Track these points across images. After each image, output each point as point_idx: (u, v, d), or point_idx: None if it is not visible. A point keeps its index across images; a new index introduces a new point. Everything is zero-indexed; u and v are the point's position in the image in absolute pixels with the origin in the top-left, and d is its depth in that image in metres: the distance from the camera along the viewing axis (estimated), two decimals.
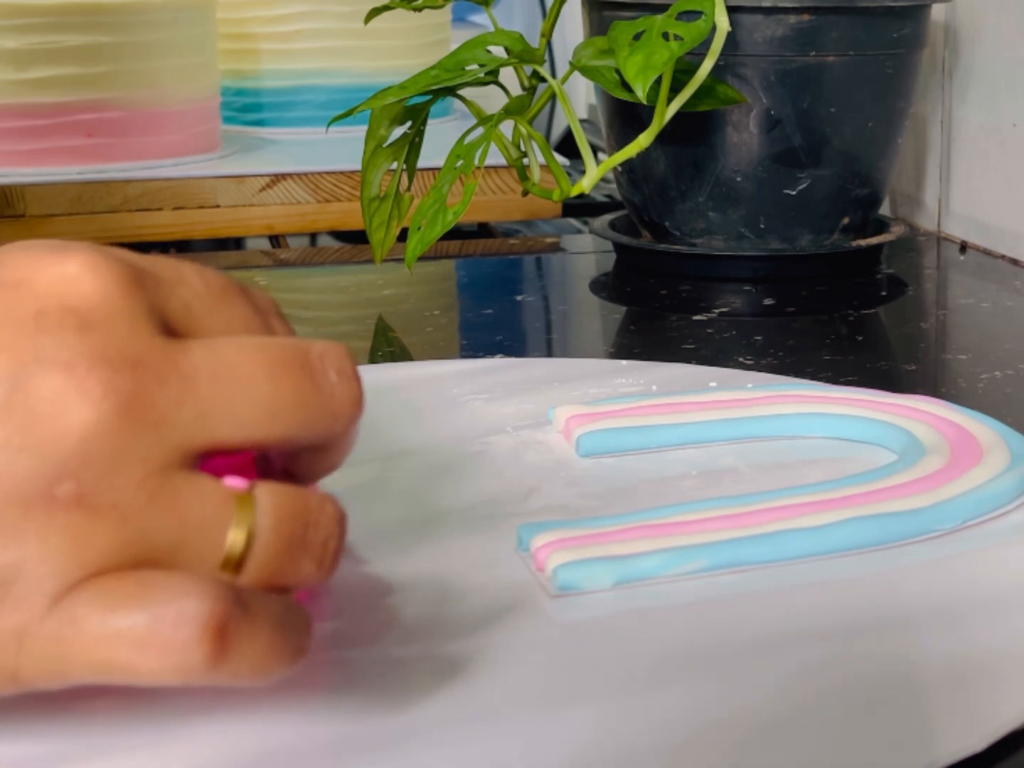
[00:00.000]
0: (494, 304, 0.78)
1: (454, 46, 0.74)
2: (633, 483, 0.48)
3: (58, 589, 0.29)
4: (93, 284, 0.31)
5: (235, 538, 0.30)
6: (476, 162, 0.68)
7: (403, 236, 0.71)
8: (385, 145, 0.73)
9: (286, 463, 0.34)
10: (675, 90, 0.69)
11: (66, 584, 0.30)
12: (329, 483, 0.46)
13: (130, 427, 0.30)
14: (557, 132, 1.42)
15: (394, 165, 0.73)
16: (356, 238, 1.00)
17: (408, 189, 0.73)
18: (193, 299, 0.32)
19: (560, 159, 1.07)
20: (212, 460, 0.32)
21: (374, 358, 0.67)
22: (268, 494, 0.31)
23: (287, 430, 0.31)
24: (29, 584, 0.29)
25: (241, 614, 0.30)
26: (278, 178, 1.03)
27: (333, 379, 0.32)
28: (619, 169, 0.84)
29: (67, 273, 0.31)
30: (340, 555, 0.32)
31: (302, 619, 0.32)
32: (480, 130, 0.70)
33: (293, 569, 0.31)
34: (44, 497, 0.29)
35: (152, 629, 0.29)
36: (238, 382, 0.31)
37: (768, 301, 0.76)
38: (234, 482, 0.31)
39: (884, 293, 0.80)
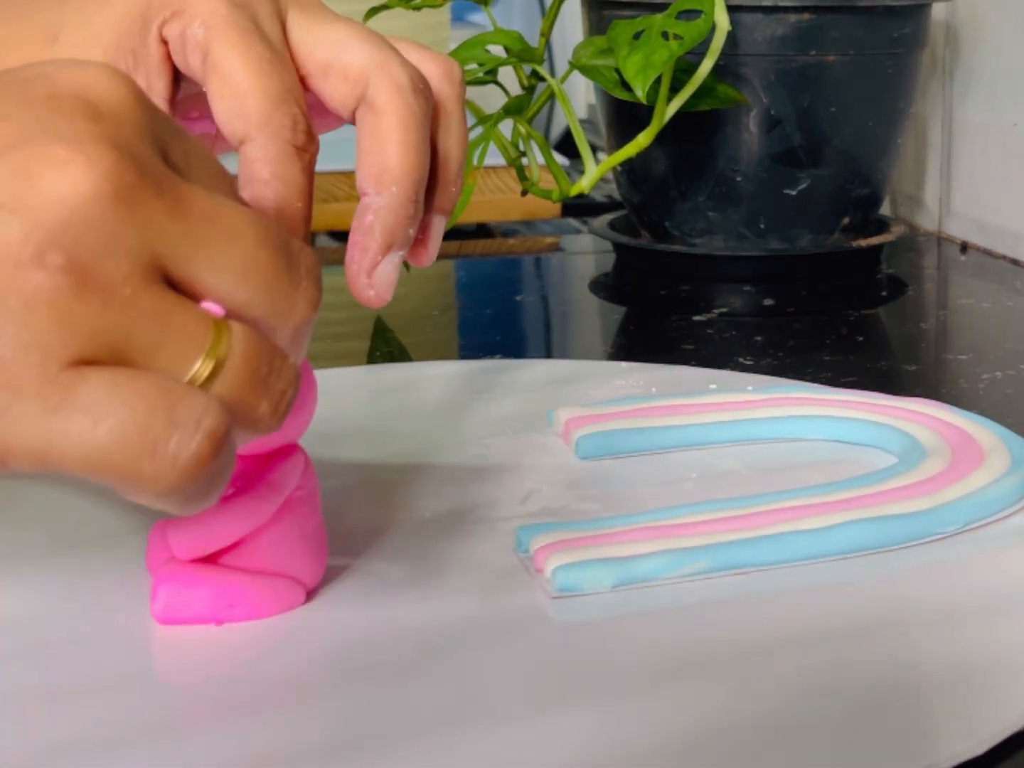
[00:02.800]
0: (493, 304, 0.78)
1: (453, 46, 0.74)
2: (632, 485, 0.48)
3: (41, 364, 0.29)
4: (111, 86, 0.31)
5: (209, 356, 0.31)
6: (475, 162, 0.68)
7: None
8: None
9: None
10: (675, 90, 0.69)
11: (49, 359, 0.29)
12: (330, 484, 0.46)
13: (124, 216, 0.30)
14: (556, 132, 1.42)
15: None
16: None
17: None
18: (192, 153, 0.33)
19: (559, 159, 1.07)
20: None
21: (373, 358, 0.67)
22: (242, 330, 0.31)
23: (252, 294, 0.32)
24: (5, 360, 0.29)
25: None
26: None
27: (303, 272, 0.33)
28: (619, 169, 0.83)
29: (87, 72, 0.32)
30: (289, 411, 0.33)
31: None
32: (479, 130, 0.70)
33: (251, 406, 0.31)
34: (34, 262, 0.29)
35: (168, 415, 0.29)
36: (226, 232, 0.31)
37: (768, 301, 0.76)
38: (212, 307, 0.31)
39: (884, 293, 0.80)
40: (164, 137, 0.32)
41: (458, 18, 1.44)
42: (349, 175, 1.03)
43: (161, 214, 0.31)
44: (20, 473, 0.30)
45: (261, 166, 0.37)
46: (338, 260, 0.98)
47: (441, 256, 0.89)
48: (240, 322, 0.31)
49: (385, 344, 0.70)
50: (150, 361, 0.30)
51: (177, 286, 0.31)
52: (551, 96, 0.73)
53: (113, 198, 0.30)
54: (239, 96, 0.37)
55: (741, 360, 0.64)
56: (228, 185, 0.34)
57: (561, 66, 1.39)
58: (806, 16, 0.76)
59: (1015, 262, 0.83)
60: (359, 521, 0.45)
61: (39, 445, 0.29)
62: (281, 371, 0.32)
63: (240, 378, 0.31)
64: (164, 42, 0.39)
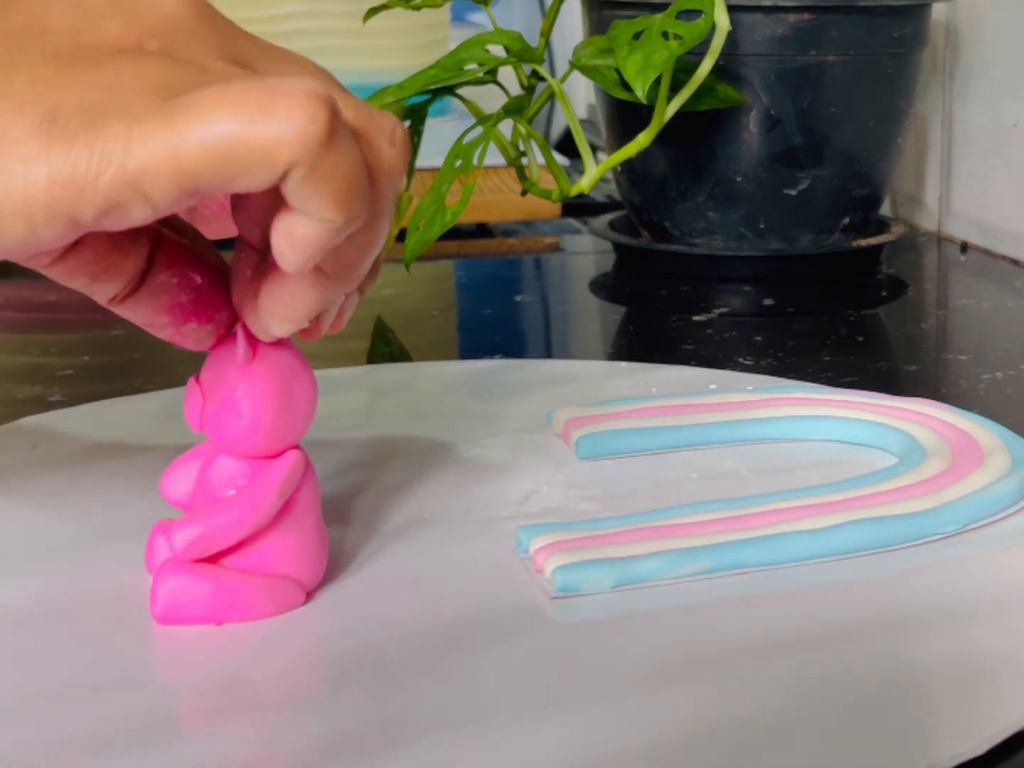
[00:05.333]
0: (493, 304, 0.78)
1: (453, 45, 0.74)
2: (632, 485, 0.48)
3: (154, 96, 0.32)
4: None
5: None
6: (475, 162, 0.67)
7: (402, 236, 0.71)
8: None
9: None
10: (675, 89, 0.69)
11: (161, 94, 0.32)
12: (329, 484, 0.46)
13: (208, 25, 0.35)
14: (556, 132, 1.42)
15: None
16: None
17: (407, 189, 0.73)
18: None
19: (559, 159, 1.07)
20: None
21: (373, 359, 0.67)
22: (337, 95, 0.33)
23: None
24: (123, 100, 0.31)
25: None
26: None
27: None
28: (619, 169, 0.83)
29: None
30: (407, 150, 0.35)
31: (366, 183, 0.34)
32: (479, 130, 0.70)
33: (368, 140, 0.34)
34: (134, 47, 0.33)
35: (274, 95, 0.31)
36: (292, 60, 0.36)
37: (768, 301, 0.76)
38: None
39: (884, 293, 0.79)
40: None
41: (458, 18, 1.44)
42: None
43: (238, 35, 0.35)
44: (161, 205, 0.32)
45: None
46: None
47: (441, 256, 0.89)
48: None
49: (385, 344, 0.70)
50: None
51: None
52: (551, 96, 0.72)
53: (196, 13, 0.35)
54: None
55: (741, 360, 0.64)
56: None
57: (561, 66, 1.39)
58: (806, 16, 0.76)
59: (1015, 262, 0.83)
60: (359, 521, 0.45)
61: (166, 153, 0.31)
62: (383, 115, 0.35)
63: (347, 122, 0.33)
64: None
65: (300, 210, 0.33)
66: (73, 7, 0.34)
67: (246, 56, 0.35)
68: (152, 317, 0.38)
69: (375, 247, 0.36)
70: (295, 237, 0.33)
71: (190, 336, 0.38)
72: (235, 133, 0.31)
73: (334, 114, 0.32)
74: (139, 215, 0.32)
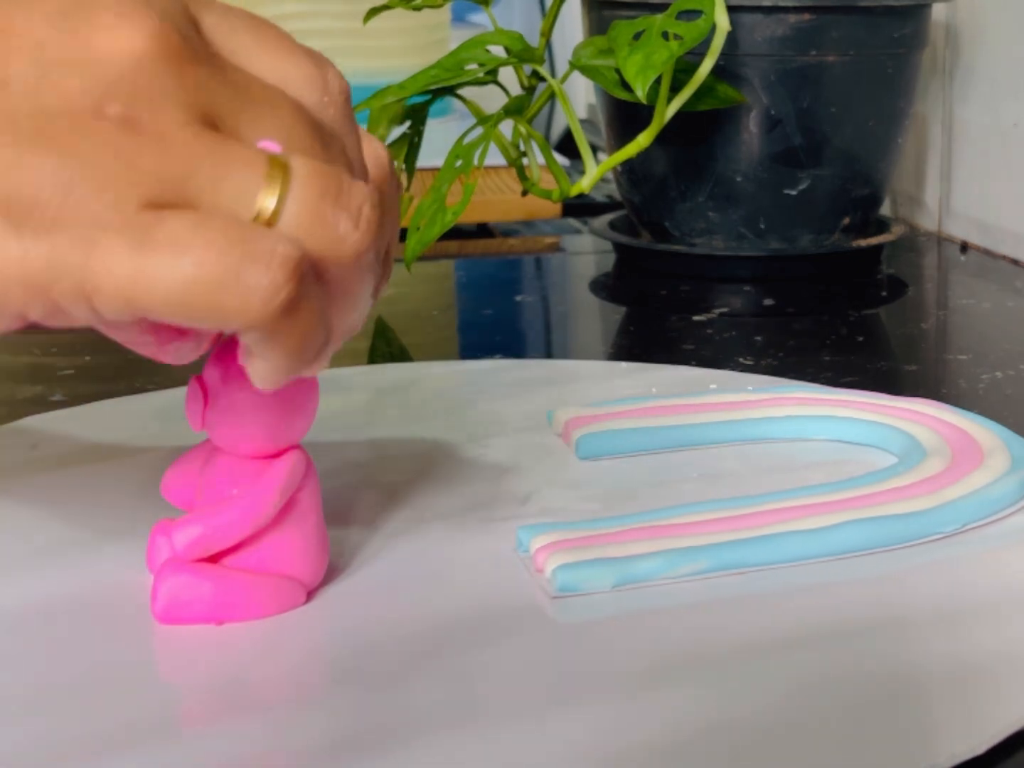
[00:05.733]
0: (493, 304, 0.78)
1: (453, 46, 0.74)
2: (632, 485, 0.48)
3: (117, 203, 0.30)
4: None
5: (272, 183, 0.31)
6: (475, 162, 0.68)
7: (402, 236, 0.71)
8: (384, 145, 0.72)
9: None
10: (675, 90, 0.69)
11: (124, 200, 0.30)
12: (329, 484, 0.46)
13: (175, 73, 0.32)
14: (557, 132, 1.42)
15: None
16: None
17: (407, 189, 0.73)
18: (222, 23, 0.34)
19: (560, 159, 1.07)
20: None
21: (373, 358, 0.67)
22: (302, 158, 0.32)
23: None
24: (82, 199, 0.30)
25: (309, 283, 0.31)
26: None
27: (340, 150, 0.34)
28: (619, 169, 0.83)
29: None
30: (376, 225, 0.33)
31: (325, 336, 0.33)
32: (479, 130, 0.70)
33: (330, 225, 0.32)
34: (93, 114, 0.31)
35: (246, 259, 0.30)
36: (267, 100, 0.33)
37: (768, 301, 0.76)
38: (269, 145, 0.32)
39: (884, 293, 0.79)
40: (195, 10, 0.34)
41: (458, 18, 1.44)
42: None
43: (207, 76, 0.32)
44: (108, 319, 0.31)
45: None
46: None
47: (441, 256, 0.89)
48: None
49: (385, 344, 0.70)
50: (216, 199, 0.31)
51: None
52: (551, 96, 0.73)
53: (163, 57, 0.32)
54: None
55: (741, 360, 0.64)
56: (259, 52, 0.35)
57: (561, 66, 1.39)
58: (806, 16, 0.76)
59: (1015, 262, 0.83)
60: (359, 521, 0.45)
61: (127, 282, 0.30)
62: (351, 190, 0.32)
63: (310, 199, 0.31)
64: None
65: (255, 354, 0.32)
66: (33, 61, 0.32)
67: (218, 106, 0.33)
68: (136, 337, 0.36)
69: (347, 327, 0.35)
70: (256, 369, 0.33)
71: (171, 354, 0.37)
72: (198, 287, 0.30)
73: (300, 281, 0.31)
74: (85, 322, 0.31)
